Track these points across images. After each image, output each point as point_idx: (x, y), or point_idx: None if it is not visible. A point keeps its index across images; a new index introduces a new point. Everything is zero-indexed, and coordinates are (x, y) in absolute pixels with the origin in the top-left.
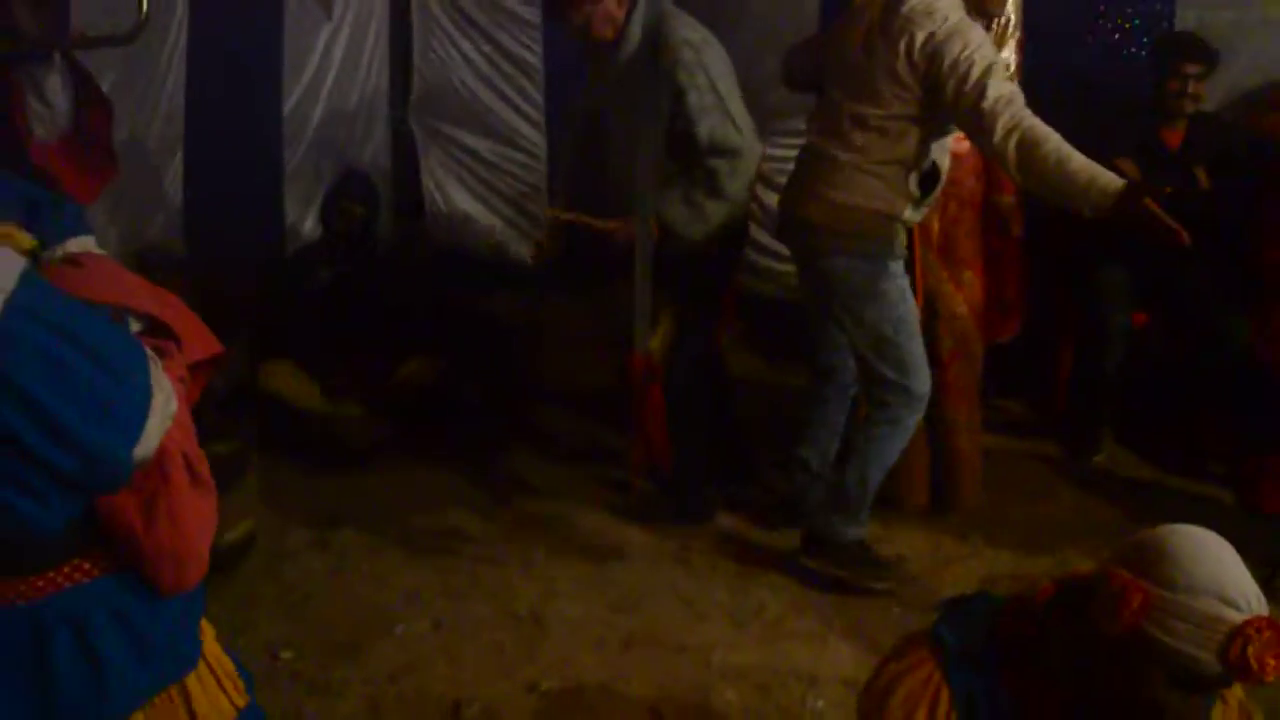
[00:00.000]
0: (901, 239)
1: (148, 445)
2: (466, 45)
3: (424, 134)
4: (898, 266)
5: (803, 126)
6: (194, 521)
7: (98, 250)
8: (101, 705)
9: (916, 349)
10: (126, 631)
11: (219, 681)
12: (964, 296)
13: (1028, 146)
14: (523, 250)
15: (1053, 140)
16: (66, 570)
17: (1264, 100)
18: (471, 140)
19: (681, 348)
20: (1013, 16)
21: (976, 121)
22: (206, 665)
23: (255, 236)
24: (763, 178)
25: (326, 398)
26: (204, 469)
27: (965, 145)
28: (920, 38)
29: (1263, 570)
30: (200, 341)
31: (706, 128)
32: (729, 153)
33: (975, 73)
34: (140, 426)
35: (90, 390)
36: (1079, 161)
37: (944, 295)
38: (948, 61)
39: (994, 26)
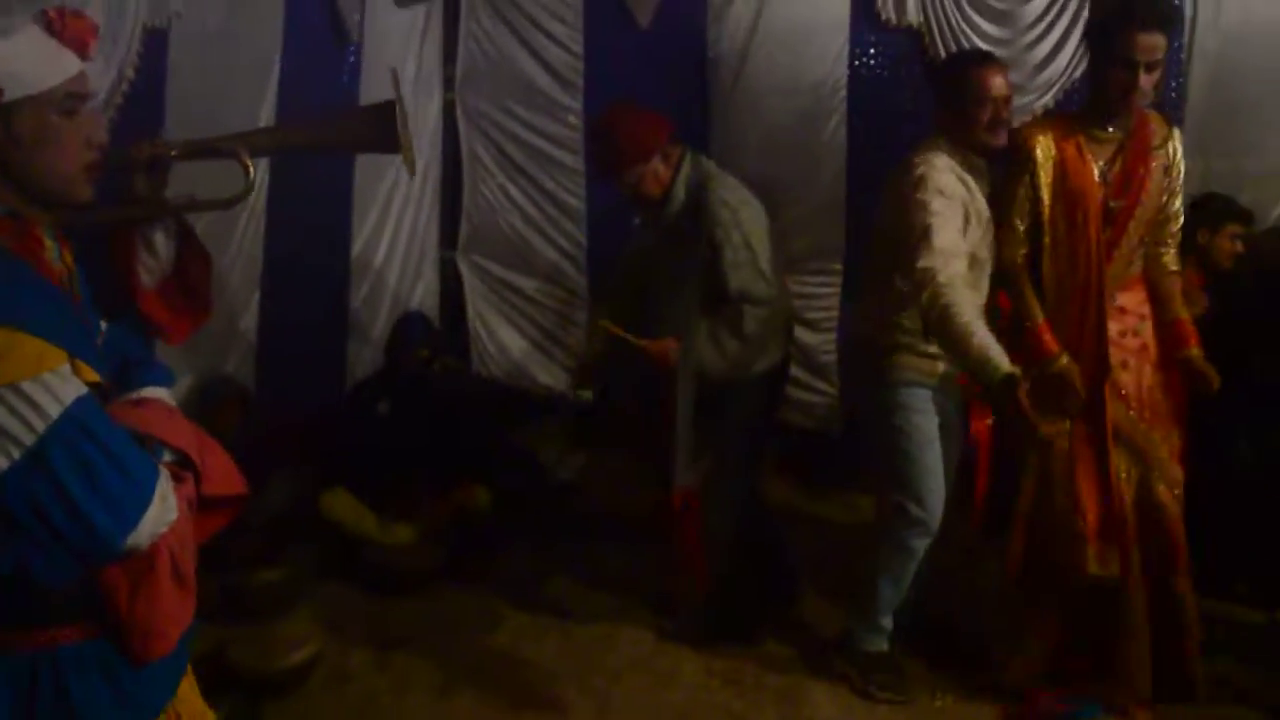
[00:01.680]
0: (919, 368)
1: (139, 537)
2: (514, 190)
3: (471, 273)
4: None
5: (824, 267)
6: (168, 607)
7: (168, 399)
8: None
9: (924, 479)
10: (106, 683)
11: None
12: (1174, 458)
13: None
14: (563, 382)
15: (966, 316)
16: (65, 631)
17: None
18: (516, 279)
19: (720, 481)
20: None
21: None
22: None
23: (319, 370)
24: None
25: (382, 525)
26: (188, 571)
27: (1148, 308)
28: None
29: None
30: (224, 479)
31: (737, 281)
32: (757, 301)
33: (915, 236)
34: (136, 522)
35: (107, 487)
36: (979, 340)
37: (1163, 462)
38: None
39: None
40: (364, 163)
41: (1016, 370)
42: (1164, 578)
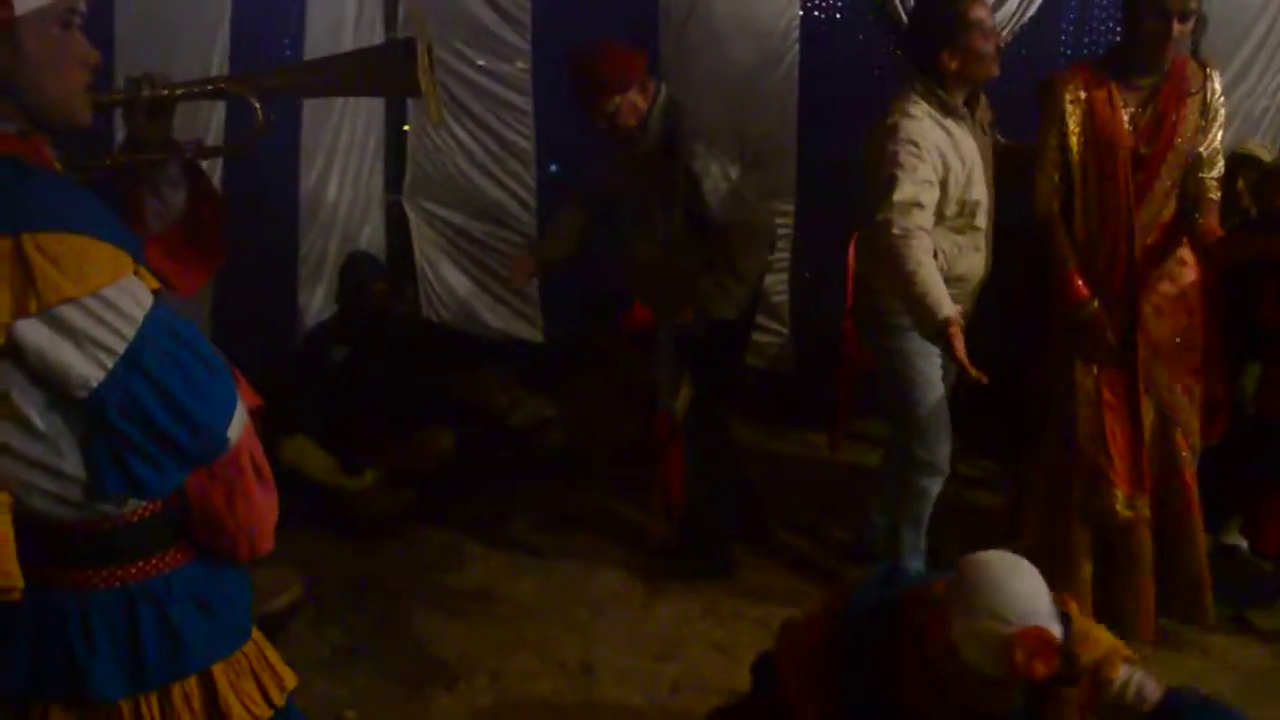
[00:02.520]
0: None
1: (236, 428)
2: (460, 131)
3: (417, 216)
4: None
5: (776, 208)
6: (261, 504)
7: None
8: (178, 664)
9: (928, 421)
10: (197, 607)
11: (256, 672)
12: (1195, 409)
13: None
14: (515, 327)
15: (911, 263)
16: (154, 560)
17: None
18: (464, 222)
19: (699, 415)
20: None
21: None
22: (245, 654)
23: (271, 316)
24: None
25: (343, 470)
26: (266, 467)
27: (1189, 253)
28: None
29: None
30: (247, 392)
31: (719, 211)
32: (742, 234)
33: (878, 186)
34: (232, 412)
35: (200, 382)
36: (921, 284)
37: (1179, 408)
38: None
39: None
40: (311, 106)
41: (954, 313)
42: (1176, 519)
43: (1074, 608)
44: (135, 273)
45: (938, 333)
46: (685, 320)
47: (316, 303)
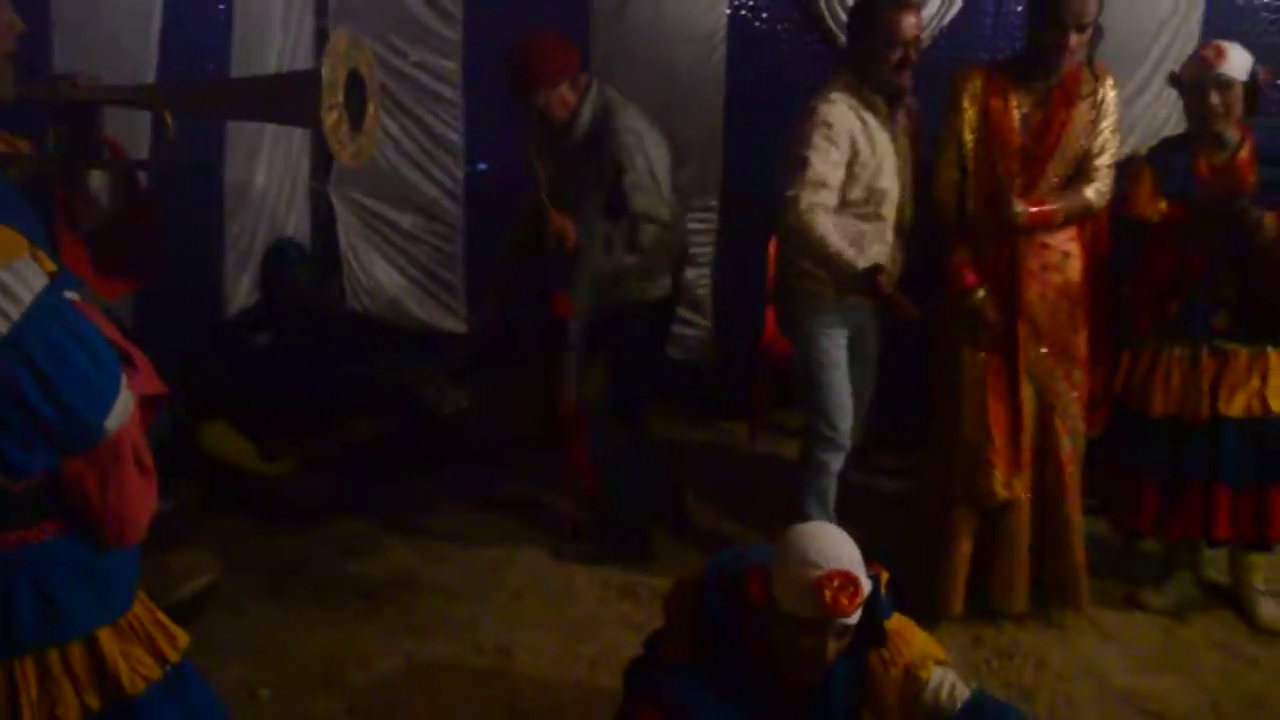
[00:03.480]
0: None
1: (113, 420)
2: (389, 123)
3: (344, 206)
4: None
5: (702, 204)
6: (136, 495)
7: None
8: (55, 630)
9: (829, 397)
10: (77, 575)
11: (149, 635)
12: (1078, 395)
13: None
14: (440, 318)
15: (820, 229)
16: (35, 529)
17: None
18: (391, 213)
19: (613, 403)
20: None
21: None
22: (135, 617)
23: (196, 302)
24: None
25: (262, 457)
26: (148, 459)
27: (1075, 245)
28: None
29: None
30: (149, 379)
31: (639, 202)
32: (657, 223)
33: (791, 164)
34: (110, 405)
35: (80, 370)
36: (835, 243)
37: (1059, 394)
38: None
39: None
40: None
41: (873, 263)
42: (1054, 501)
43: (884, 576)
44: (33, 256)
45: (862, 282)
46: (580, 307)
47: (242, 291)
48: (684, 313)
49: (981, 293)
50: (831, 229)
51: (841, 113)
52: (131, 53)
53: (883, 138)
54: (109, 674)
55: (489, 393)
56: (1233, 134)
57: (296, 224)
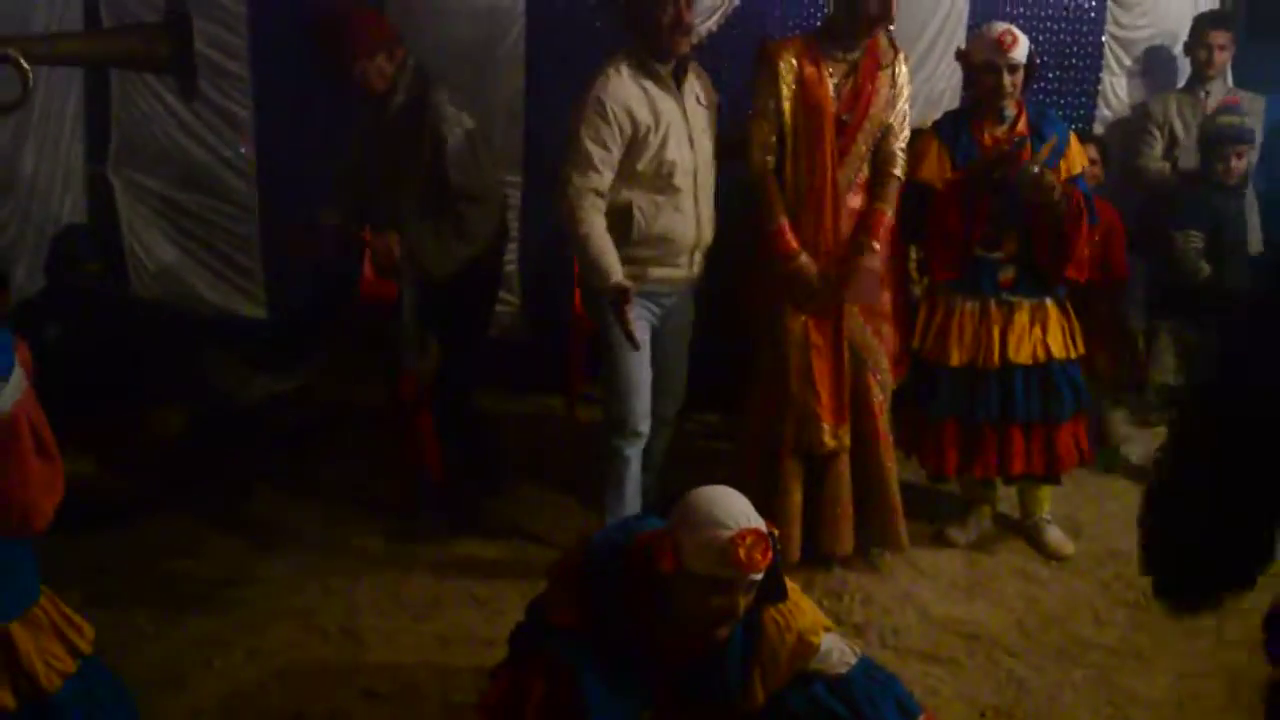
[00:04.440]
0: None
1: (9, 397)
2: (170, 98)
3: (124, 188)
4: None
5: (504, 179)
6: (36, 478)
7: None
8: None
9: (618, 381)
10: None
11: (58, 627)
12: (886, 349)
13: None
14: (236, 302)
15: (586, 225)
16: None
17: None
18: (176, 194)
19: (444, 374)
20: None
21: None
22: (43, 609)
23: None
24: None
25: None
26: (50, 441)
27: (889, 218)
28: None
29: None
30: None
31: (459, 175)
32: (476, 199)
33: (566, 142)
34: (3, 381)
35: None
36: (594, 248)
37: (870, 348)
38: None
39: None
40: None
41: (625, 282)
42: (869, 450)
43: (776, 531)
44: None
45: (607, 294)
46: (394, 255)
47: (17, 278)
48: None
49: (804, 257)
50: (596, 225)
51: (617, 85)
52: None
53: (668, 105)
54: (23, 670)
55: (306, 373)
56: (1011, 109)
57: (71, 208)
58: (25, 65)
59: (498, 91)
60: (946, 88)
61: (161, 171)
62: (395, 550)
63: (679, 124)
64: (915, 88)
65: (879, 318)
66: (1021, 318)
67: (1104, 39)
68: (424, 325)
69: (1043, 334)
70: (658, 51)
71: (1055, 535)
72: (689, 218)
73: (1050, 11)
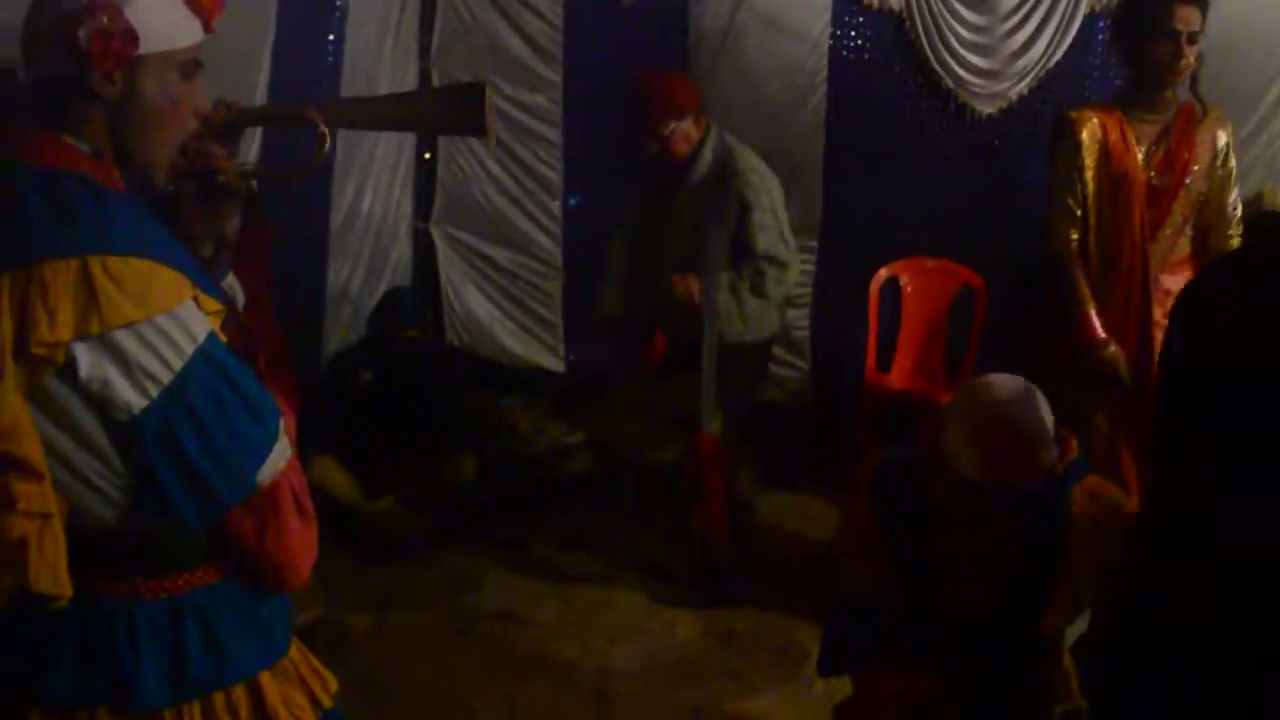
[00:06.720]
0: None
1: (267, 472)
2: (489, 161)
3: (444, 243)
4: None
5: (801, 244)
6: (295, 542)
7: (240, 292)
8: (221, 673)
9: None
10: (241, 617)
11: (304, 678)
12: None
13: None
14: (538, 355)
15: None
16: (199, 573)
17: None
18: (490, 249)
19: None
20: None
21: None
22: (291, 661)
23: (297, 341)
24: None
25: (365, 493)
26: (308, 503)
27: None
28: None
29: None
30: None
31: (765, 241)
32: (780, 264)
33: None
34: (264, 457)
35: (238, 423)
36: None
37: None
38: None
39: None
40: (345, 133)
41: None
42: None
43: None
44: (195, 299)
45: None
46: (694, 296)
47: (339, 328)
48: (781, 353)
49: (1113, 346)
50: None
51: None
52: (240, 95)
53: None
54: (269, 718)
55: (595, 428)
56: None
57: (398, 263)
58: (323, 127)
59: (797, 159)
60: None
61: (478, 228)
62: (655, 613)
63: None
64: (1255, 155)
65: None
66: None
67: None
68: (722, 385)
69: None
70: None
71: None
72: None
73: None
